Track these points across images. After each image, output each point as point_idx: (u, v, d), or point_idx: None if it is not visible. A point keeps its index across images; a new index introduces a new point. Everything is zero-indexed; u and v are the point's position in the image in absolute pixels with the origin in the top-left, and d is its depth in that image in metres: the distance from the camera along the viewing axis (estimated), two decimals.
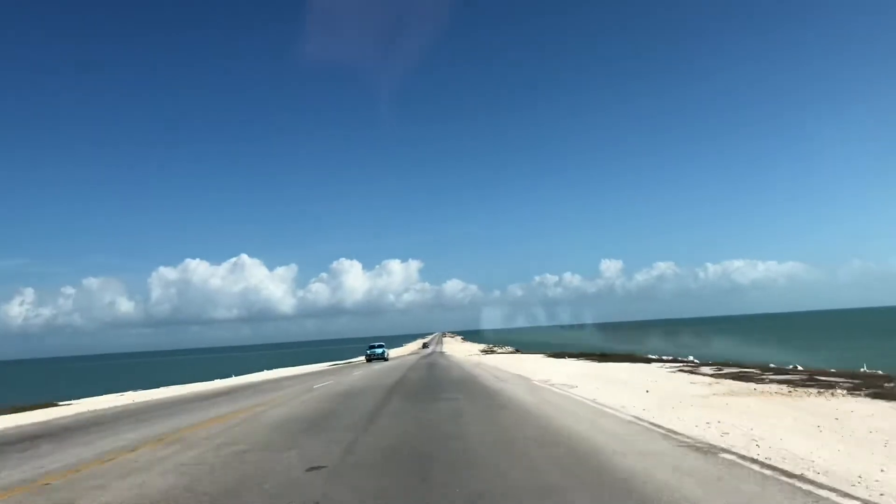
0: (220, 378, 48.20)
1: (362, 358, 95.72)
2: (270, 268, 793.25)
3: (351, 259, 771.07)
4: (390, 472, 7.30)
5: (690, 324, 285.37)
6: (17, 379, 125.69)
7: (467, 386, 19.66)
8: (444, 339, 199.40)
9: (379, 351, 61.35)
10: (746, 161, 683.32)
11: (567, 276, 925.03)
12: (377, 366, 44.33)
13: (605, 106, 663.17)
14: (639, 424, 10.20)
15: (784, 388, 14.47)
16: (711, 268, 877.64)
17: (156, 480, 7.48)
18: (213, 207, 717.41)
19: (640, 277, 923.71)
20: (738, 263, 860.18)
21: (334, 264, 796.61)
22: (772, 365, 24.94)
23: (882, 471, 6.52)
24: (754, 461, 7.13)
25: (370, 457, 8.24)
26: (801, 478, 6.34)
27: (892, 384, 14.14)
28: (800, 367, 25.75)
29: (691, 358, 39.07)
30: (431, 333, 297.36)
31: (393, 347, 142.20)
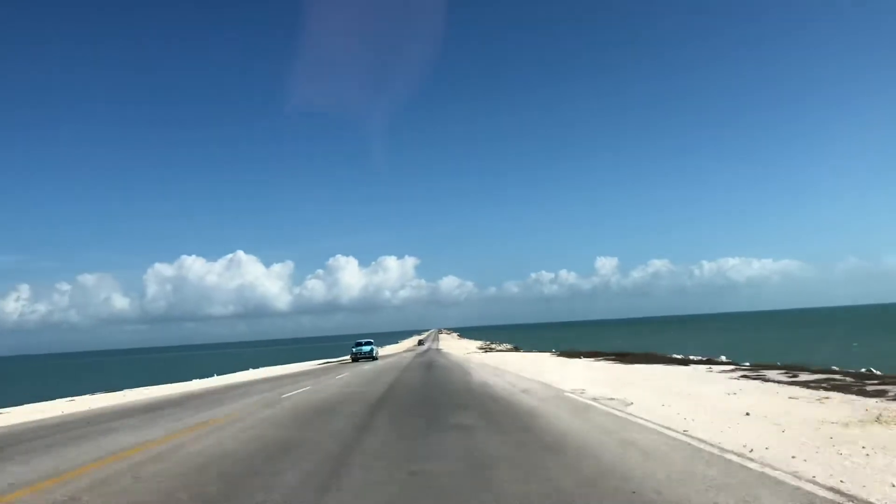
0: (200, 378, 44.04)
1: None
2: (266, 264, 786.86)
3: (347, 256, 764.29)
4: None
5: (685, 321, 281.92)
6: None
7: (481, 399, 14.77)
8: (441, 336, 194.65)
9: (366, 349, 53.36)
10: (742, 159, 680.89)
11: (563, 273, 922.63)
12: (368, 366, 39.17)
13: (601, 104, 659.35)
14: None
15: None
16: (707, 265, 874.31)
17: None
18: (209, 204, 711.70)
19: (636, 275, 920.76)
20: (733, 261, 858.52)
21: (330, 261, 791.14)
22: (864, 370, 20.12)
23: None
24: None
25: None
26: None
27: None
28: (875, 371, 21.04)
29: (723, 357, 34.35)
30: (427, 330, 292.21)
31: (388, 344, 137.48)
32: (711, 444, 7.89)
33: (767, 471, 6.43)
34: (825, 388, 13.98)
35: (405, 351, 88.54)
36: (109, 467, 8.18)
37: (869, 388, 13.92)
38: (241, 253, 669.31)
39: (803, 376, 16.98)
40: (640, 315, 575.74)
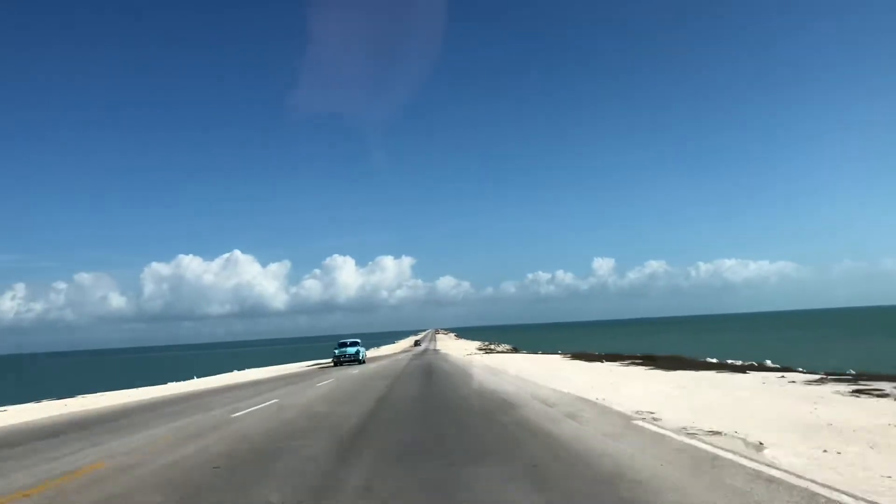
0: (178, 381, 39.07)
1: None
2: (263, 264, 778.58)
3: (344, 255, 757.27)
4: None
5: (683, 322, 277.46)
6: None
7: (512, 432, 9.64)
8: (438, 336, 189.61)
9: (351, 350, 44.68)
10: (740, 161, 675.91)
11: (560, 273, 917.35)
12: (356, 370, 33.58)
13: (599, 106, 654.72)
14: None
15: None
16: (703, 266, 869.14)
17: None
18: (206, 203, 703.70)
19: (633, 276, 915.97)
20: (729, 262, 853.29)
21: (327, 260, 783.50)
22: None
23: None
24: None
25: None
26: None
27: None
28: None
29: (769, 362, 29.45)
30: (424, 330, 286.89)
31: (385, 344, 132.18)
32: None
33: None
34: None
35: (402, 352, 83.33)
36: None
37: None
38: (237, 252, 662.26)
39: None
40: (636, 316, 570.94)
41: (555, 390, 15.75)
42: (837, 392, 12.77)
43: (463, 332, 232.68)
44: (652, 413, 10.85)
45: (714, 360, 29.27)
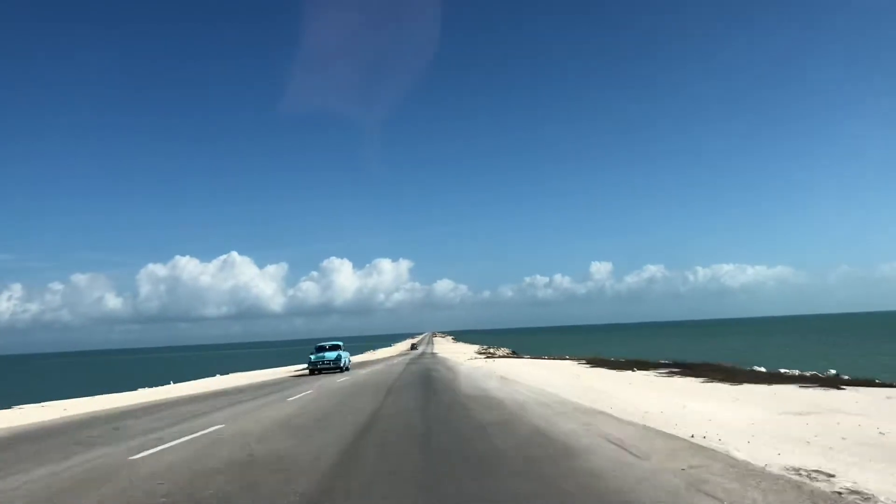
0: (148, 388, 34.73)
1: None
2: (260, 266, 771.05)
3: (341, 258, 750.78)
4: None
5: (681, 327, 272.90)
6: None
7: None
8: (435, 339, 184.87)
9: (330, 356, 35.91)
10: (738, 166, 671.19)
11: (557, 277, 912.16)
12: (341, 379, 27.79)
13: (597, 110, 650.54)
14: None
15: None
16: (701, 271, 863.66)
17: None
18: (203, 204, 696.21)
19: (630, 280, 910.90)
20: (727, 267, 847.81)
21: (325, 263, 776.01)
22: None
23: None
24: None
25: None
26: None
27: None
28: None
29: (833, 372, 24.72)
30: (421, 333, 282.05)
31: (381, 347, 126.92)
32: None
33: None
34: None
35: (398, 355, 78.44)
36: None
37: None
38: (234, 254, 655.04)
39: None
40: (633, 321, 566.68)
41: (612, 417, 10.96)
42: None
43: (460, 336, 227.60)
44: (828, 474, 6.12)
45: (763, 370, 24.59)
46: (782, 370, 24.69)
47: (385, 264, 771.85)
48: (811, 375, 20.94)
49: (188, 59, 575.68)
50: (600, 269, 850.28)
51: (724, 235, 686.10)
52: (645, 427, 9.63)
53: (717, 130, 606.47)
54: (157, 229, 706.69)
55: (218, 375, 47.75)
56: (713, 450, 7.59)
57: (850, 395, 13.46)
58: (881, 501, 5.26)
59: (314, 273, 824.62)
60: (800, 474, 6.20)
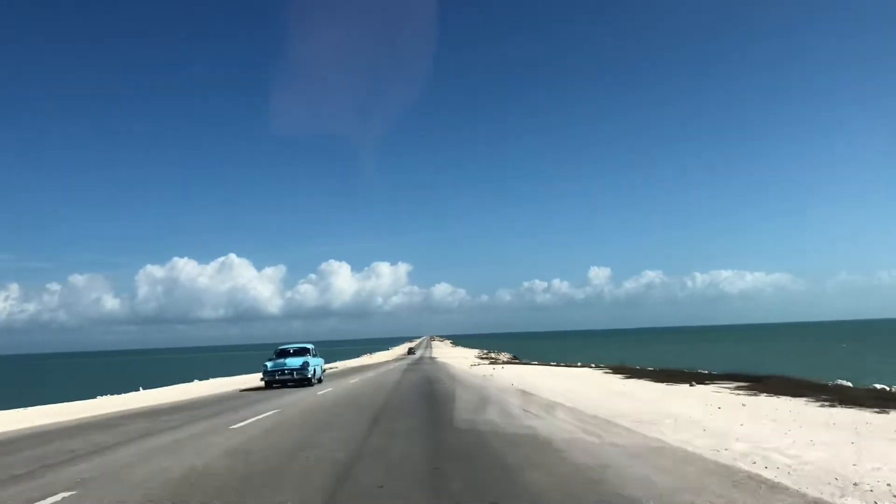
0: (110, 395, 30.20)
1: (338, 363, 75.12)
2: (259, 268, 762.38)
3: (340, 261, 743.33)
4: None
5: (681, 333, 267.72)
6: None
7: None
8: (433, 343, 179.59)
9: (293, 364, 26.12)
10: (738, 171, 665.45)
11: (556, 282, 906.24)
12: (322, 392, 21.86)
13: (596, 115, 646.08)
14: None
15: None
16: (699, 277, 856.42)
17: None
18: (202, 206, 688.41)
19: (629, 285, 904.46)
20: (726, 273, 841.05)
21: (323, 266, 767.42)
22: None
23: None
24: None
25: None
26: None
27: None
28: None
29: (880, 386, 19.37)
30: (419, 337, 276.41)
31: (379, 350, 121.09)
32: None
33: None
34: None
35: (395, 359, 73.05)
36: None
37: None
38: (233, 256, 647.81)
39: None
40: (631, 326, 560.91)
41: (786, 490, 5.59)
42: None
43: (458, 340, 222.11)
44: None
45: (848, 384, 19.33)
46: (878, 385, 19.33)
47: (383, 267, 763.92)
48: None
49: (189, 59, 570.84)
50: (599, 275, 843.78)
51: (724, 241, 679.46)
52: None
53: (718, 136, 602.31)
54: (156, 230, 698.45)
55: (196, 381, 42.74)
56: None
57: None
58: None
59: (312, 276, 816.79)
60: None
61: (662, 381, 21.18)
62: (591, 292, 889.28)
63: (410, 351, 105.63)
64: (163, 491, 6.66)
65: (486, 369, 38.45)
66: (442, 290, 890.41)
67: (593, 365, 40.97)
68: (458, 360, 63.55)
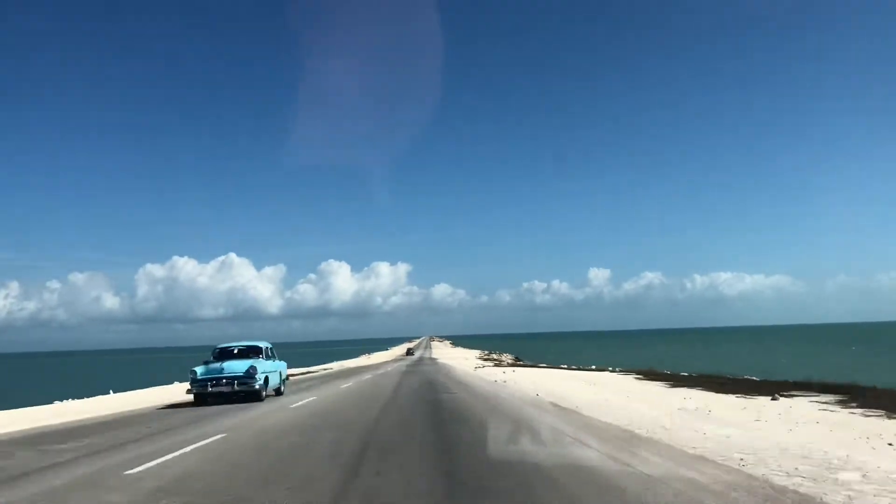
0: (72, 399, 26.65)
1: (334, 364, 70.71)
2: (258, 267, 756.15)
3: (339, 261, 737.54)
4: None
5: (680, 334, 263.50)
6: None
7: None
8: (433, 344, 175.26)
9: (235, 370, 17.96)
10: (739, 173, 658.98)
11: (555, 283, 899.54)
12: (277, 416, 14.55)
13: (597, 115, 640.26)
14: None
15: None
16: (699, 279, 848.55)
17: None
18: (202, 205, 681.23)
19: (628, 287, 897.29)
20: (725, 275, 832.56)
21: (322, 265, 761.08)
22: None
23: None
24: None
25: None
26: None
27: None
28: None
29: None
30: (418, 337, 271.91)
31: (377, 351, 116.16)
32: None
33: None
34: None
35: (393, 360, 68.49)
36: None
37: None
38: (233, 255, 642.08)
39: None
40: (630, 327, 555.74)
41: None
42: None
43: (457, 340, 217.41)
44: None
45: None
46: None
47: (383, 268, 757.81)
48: None
49: (189, 58, 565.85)
50: (599, 276, 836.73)
51: (723, 244, 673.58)
52: None
53: (718, 138, 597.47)
54: (156, 229, 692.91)
55: (176, 383, 38.58)
56: None
57: None
58: None
59: (312, 276, 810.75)
60: None
61: (722, 392, 16.72)
62: (590, 293, 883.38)
63: (409, 351, 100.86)
64: None
65: (495, 373, 34.03)
66: (441, 291, 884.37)
67: (611, 369, 36.52)
68: (460, 361, 59.09)
